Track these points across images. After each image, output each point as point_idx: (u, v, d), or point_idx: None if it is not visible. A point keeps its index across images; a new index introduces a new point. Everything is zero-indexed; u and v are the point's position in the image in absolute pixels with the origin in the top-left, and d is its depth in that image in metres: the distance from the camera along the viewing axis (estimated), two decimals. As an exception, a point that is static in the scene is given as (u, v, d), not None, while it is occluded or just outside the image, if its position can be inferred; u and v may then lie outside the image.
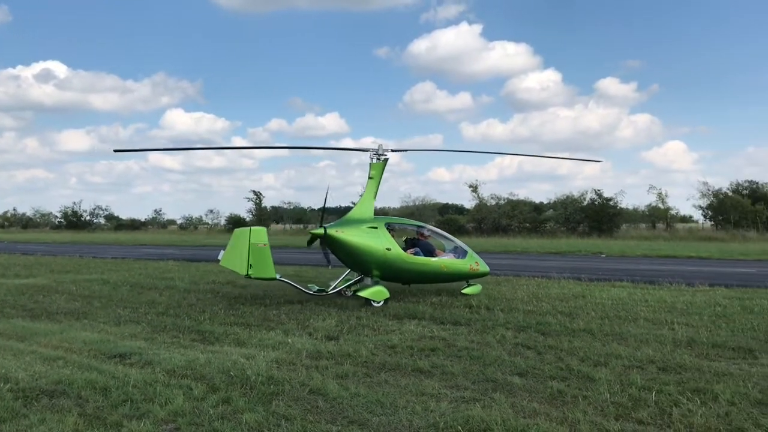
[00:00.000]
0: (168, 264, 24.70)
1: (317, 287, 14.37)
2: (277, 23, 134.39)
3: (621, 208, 58.27)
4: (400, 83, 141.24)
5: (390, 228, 14.24)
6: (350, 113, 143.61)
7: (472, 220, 64.59)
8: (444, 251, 14.97)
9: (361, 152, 15.02)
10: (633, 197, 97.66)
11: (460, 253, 14.83)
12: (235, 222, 78.73)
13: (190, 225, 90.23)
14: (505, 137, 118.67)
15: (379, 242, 13.47)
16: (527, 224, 59.80)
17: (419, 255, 14.11)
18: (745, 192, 56.10)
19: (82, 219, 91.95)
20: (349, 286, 14.43)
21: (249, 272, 12.56)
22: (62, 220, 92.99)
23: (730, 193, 56.26)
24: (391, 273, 13.72)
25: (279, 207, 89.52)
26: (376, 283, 13.42)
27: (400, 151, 15.89)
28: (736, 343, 8.89)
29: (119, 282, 17.68)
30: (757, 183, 57.02)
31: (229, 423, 5.73)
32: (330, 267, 15.23)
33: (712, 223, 57.27)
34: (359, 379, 7.23)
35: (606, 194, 57.69)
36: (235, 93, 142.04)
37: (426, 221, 69.44)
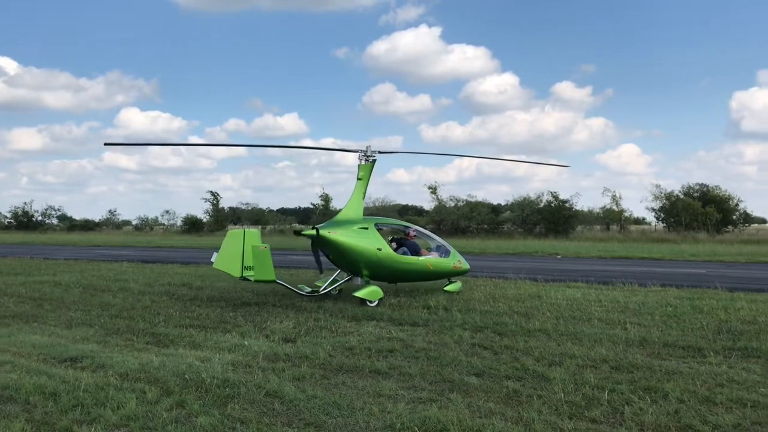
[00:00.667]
0: (122, 265, 24.22)
1: (308, 288, 14.46)
2: (236, 22, 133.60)
3: (576, 210, 59.35)
4: (360, 84, 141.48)
5: (378, 228, 14.44)
6: (309, 114, 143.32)
7: (431, 221, 64.85)
8: (429, 250, 15.31)
9: (348, 153, 14.98)
10: (588, 199, 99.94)
11: (443, 251, 15.25)
12: (191, 223, 77.70)
13: (146, 226, 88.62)
14: (463, 139, 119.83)
15: (370, 242, 13.67)
16: (485, 225, 60.37)
17: (407, 254, 14.42)
18: (696, 195, 57.63)
19: (34, 219, 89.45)
20: (337, 287, 14.59)
21: (245, 274, 12.56)
22: (12, 220, 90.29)
23: (682, 196, 57.74)
24: (382, 273, 13.94)
25: (237, 208, 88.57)
26: (368, 284, 13.56)
27: (388, 153, 16.05)
28: (686, 342, 9.11)
29: (71, 284, 17.27)
30: (708, 186, 58.70)
31: (183, 427, 5.65)
32: (322, 274, 15.20)
33: (665, 225, 58.63)
34: (316, 381, 7.19)
35: (562, 196, 58.67)
36: (192, 92, 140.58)
37: (385, 222, 69.50)
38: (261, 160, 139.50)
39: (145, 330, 10.39)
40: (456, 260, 15.20)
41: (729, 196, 57.54)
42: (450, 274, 15.22)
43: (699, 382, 6.98)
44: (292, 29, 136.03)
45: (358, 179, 14.40)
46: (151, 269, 22.38)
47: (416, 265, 14.40)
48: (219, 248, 12.84)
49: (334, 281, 14.68)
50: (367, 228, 13.88)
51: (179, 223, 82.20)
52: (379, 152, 14.74)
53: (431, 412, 5.92)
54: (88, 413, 6.01)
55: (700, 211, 53.91)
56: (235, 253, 12.58)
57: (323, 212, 62.81)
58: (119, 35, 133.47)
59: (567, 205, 58.24)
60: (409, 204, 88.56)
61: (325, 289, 14.33)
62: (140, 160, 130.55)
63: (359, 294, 13.10)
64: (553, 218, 57.09)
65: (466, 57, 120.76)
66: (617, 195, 61.13)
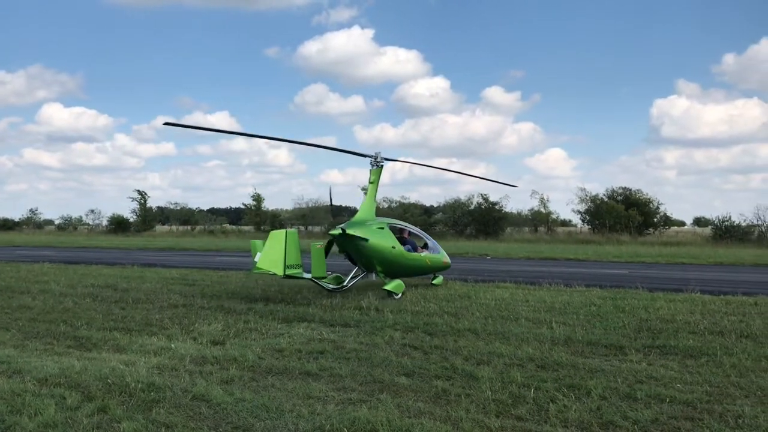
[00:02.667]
0: (43, 266, 23.28)
1: (332, 285, 15.12)
2: (165, 18, 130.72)
3: (506, 212, 60.59)
4: (291, 84, 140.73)
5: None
6: (240, 113, 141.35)
7: (365, 222, 64.87)
8: (422, 247, 16.55)
9: (360, 157, 16.22)
10: (517, 202, 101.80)
11: (434, 248, 16.66)
12: (118, 222, 75.42)
13: (69, 225, 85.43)
14: (396, 141, 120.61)
15: (387, 241, 14.79)
16: (418, 227, 60.74)
17: (411, 251, 15.69)
18: (619, 198, 59.57)
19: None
20: (355, 282, 15.54)
21: (288, 272, 13.19)
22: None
23: (606, 199, 59.59)
24: (393, 269, 15.01)
25: (165, 207, 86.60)
26: (393, 278, 14.79)
27: (392, 160, 16.88)
28: (609, 340, 9.40)
29: (-13, 286, 16.48)
30: (630, 189, 60.75)
31: (105, 433, 5.47)
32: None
33: (590, 227, 60.38)
34: (245, 383, 7.09)
35: (492, 198, 59.71)
36: (118, 88, 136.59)
37: (319, 223, 69.67)
38: (190, 159, 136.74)
39: (67, 333, 10.02)
40: (444, 256, 16.77)
41: (650, 199, 59.79)
42: (440, 269, 16.85)
43: (620, 379, 7.22)
44: (222, 27, 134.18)
45: (370, 183, 15.73)
46: (74, 270, 21.60)
47: (419, 261, 15.87)
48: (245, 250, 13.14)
49: (354, 276, 15.48)
50: (383, 228, 15.04)
51: (105, 222, 79.64)
52: (385, 159, 15.97)
53: (361, 412, 5.92)
54: (3, 421, 5.75)
55: (623, 214, 55.81)
56: (278, 253, 13.12)
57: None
58: (41, 28, 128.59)
59: (497, 207, 59.38)
60: (343, 205, 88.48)
61: (348, 283, 15.21)
62: (63, 157, 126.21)
63: (388, 287, 14.31)
64: (483, 220, 58.10)
65: (399, 60, 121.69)
66: (545, 198, 62.88)
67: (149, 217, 78.88)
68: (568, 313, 11.87)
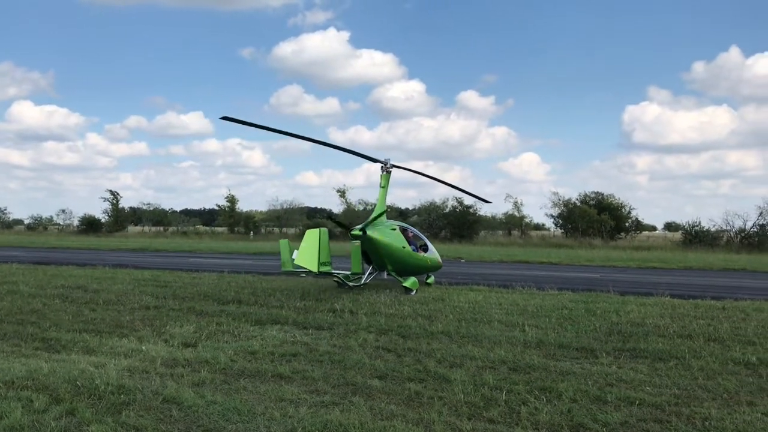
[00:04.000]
0: (12, 267, 22.86)
1: (353, 283, 16.07)
2: (139, 17, 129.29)
3: (480, 216, 60.91)
4: (266, 85, 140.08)
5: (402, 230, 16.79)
6: (215, 113, 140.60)
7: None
8: (420, 248, 17.37)
9: (370, 162, 17.28)
10: (491, 206, 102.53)
11: (430, 249, 17.58)
12: (89, 223, 74.38)
13: (39, 225, 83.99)
14: (372, 144, 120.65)
15: (399, 242, 15.99)
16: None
17: (416, 252, 16.77)
18: (591, 202, 60.22)
19: None
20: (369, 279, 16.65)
21: (321, 269, 14.24)
22: None
23: (579, 203, 60.18)
24: (402, 267, 16.05)
25: (138, 208, 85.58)
26: (410, 276, 16.12)
27: (399, 167, 17.91)
28: (580, 343, 9.50)
29: (-47, 286, 16.15)
30: (603, 194, 61.43)
31: (73, 436, 5.39)
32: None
33: (563, 230, 60.96)
34: (217, 386, 7.04)
35: (466, 202, 59.99)
36: (90, 87, 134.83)
37: (294, 225, 69.44)
38: (163, 159, 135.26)
39: (35, 335, 9.86)
40: (438, 256, 17.78)
41: (622, 204, 60.54)
42: (436, 268, 17.82)
43: (591, 382, 7.29)
44: (195, 27, 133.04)
45: (381, 187, 16.92)
46: (43, 271, 21.23)
47: (422, 261, 16.90)
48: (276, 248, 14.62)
49: (370, 273, 16.55)
50: (395, 229, 16.29)
51: (76, 223, 78.44)
52: (394, 166, 17.21)
53: (333, 415, 5.91)
54: (-32, 424, 5.64)
55: (596, 218, 56.44)
56: (313, 250, 14.06)
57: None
58: (12, 25, 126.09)
59: (471, 210, 59.68)
60: (318, 207, 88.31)
61: (366, 280, 16.34)
62: (33, 156, 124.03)
63: (406, 284, 15.59)
64: (458, 223, 58.37)
65: (374, 63, 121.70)
66: (519, 201, 63.32)
67: (121, 218, 77.97)
68: (541, 316, 11.97)
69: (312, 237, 14.26)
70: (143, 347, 8.91)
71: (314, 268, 14.04)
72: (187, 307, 12.90)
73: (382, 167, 16.94)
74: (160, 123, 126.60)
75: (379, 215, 16.31)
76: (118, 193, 78.55)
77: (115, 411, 6.07)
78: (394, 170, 17.36)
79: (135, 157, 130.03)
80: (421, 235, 18.18)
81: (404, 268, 16.09)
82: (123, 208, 79.77)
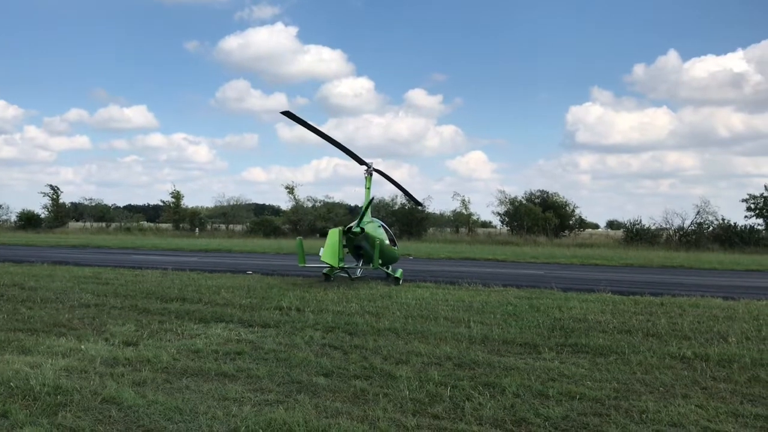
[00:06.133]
0: (-57, 264, 21.97)
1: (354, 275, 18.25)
2: (81, 8, 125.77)
3: (428, 213, 61.33)
4: (212, 80, 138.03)
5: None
6: (159, 107, 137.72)
7: (288, 221, 64.66)
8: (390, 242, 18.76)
9: (356, 163, 18.51)
10: (439, 203, 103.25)
11: (395, 243, 19.12)
12: (27, 218, 72.04)
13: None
14: (320, 140, 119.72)
15: (383, 237, 17.81)
16: (343, 227, 60.73)
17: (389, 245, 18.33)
18: (537, 201, 61.37)
19: None
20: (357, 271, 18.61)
21: (340, 265, 16.22)
22: None
23: (524, 202, 61.22)
24: (384, 259, 17.64)
25: (79, 203, 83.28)
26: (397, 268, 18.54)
27: (380, 173, 19.16)
28: (524, 339, 9.64)
29: None
30: (547, 193, 62.73)
31: (6, 439, 5.21)
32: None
33: (509, 228, 61.90)
34: (158, 385, 6.89)
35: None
36: (29, 79, 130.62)
37: (241, 221, 68.66)
38: (105, 153, 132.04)
39: (-34, 335, 9.48)
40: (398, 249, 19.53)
41: (566, 202, 61.89)
42: (397, 260, 19.50)
43: (533, 377, 7.41)
44: (139, 18, 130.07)
45: (366, 188, 18.30)
46: (-23, 268, 20.46)
47: (394, 253, 18.72)
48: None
49: (359, 267, 18.31)
50: (380, 227, 18.16)
51: (13, 218, 75.90)
52: (375, 170, 18.54)
53: (277, 414, 5.85)
54: None
55: (541, 216, 57.52)
56: (335, 248, 15.76)
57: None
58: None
59: (420, 208, 60.00)
60: (266, 203, 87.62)
61: (359, 272, 18.65)
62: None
63: (397, 275, 17.75)
64: (406, 220, 58.66)
65: (322, 59, 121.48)
66: (466, 199, 64.08)
67: (62, 213, 75.79)
68: (486, 313, 12.10)
69: (334, 236, 15.95)
70: (82, 346, 8.66)
71: (336, 264, 15.90)
72: (129, 305, 12.60)
73: (365, 171, 18.28)
74: (102, 116, 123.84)
75: (367, 214, 17.61)
76: (58, 188, 76.47)
77: (51, 412, 5.89)
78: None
79: (76, 151, 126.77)
80: (389, 230, 19.28)
81: (385, 260, 17.80)
82: (63, 204, 77.63)
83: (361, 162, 18.39)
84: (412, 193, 22.87)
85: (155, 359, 7.94)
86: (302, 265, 16.84)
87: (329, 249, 15.79)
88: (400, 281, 17.45)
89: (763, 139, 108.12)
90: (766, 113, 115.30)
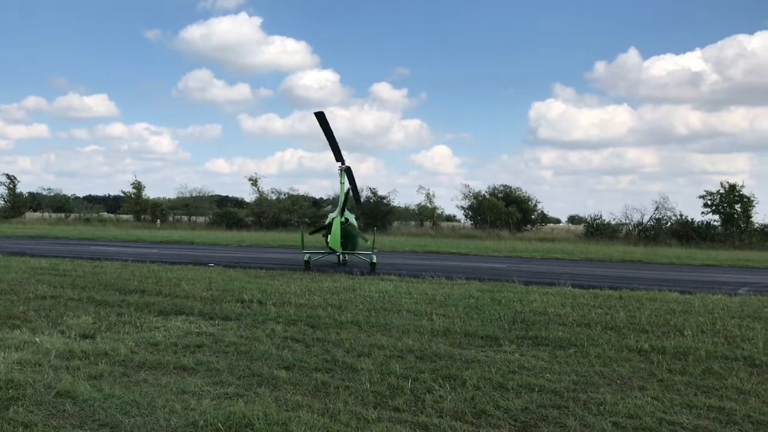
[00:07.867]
0: None
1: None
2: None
3: (393, 206, 61.41)
4: (174, 69, 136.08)
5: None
6: (120, 96, 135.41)
7: (252, 213, 64.18)
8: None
9: (331, 158, 19.41)
10: (404, 196, 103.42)
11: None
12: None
13: (-76, 211, 78.68)
14: (284, 132, 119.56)
15: (357, 226, 19.85)
16: (306, 219, 60.64)
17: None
18: (500, 195, 61.80)
19: None
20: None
21: (342, 249, 18.56)
22: None
23: (488, 196, 61.64)
24: (356, 248, 20.07)
25: (37, 193, 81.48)
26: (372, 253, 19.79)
27: (348, 173, 19.58)
28: (485, 332, 9.70)
29: None
30: (511, 187, 63.16)
31: (-46, 435, 5.06)
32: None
33: (472, 222, 62.32)
34: (115, 379, 6.77)
35: (380, 192, 60.36)
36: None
37: (204, 213, 67.90)
38: (65, 143, 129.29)
39: None
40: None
41: (529, 197, 62.43)
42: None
43: (494, 370, 7.46)
44: (99, 5, 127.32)
45: (341, 182, 19.12)
46: (-73, 259, 19.86)
47: (363, 242, 21.38)
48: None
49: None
50: (356, 217, 20.21)
51: (-32, 208, 74.01)
52: (346, 169, 19.17)
53: (237, 407, 5.79)
54: None
55: (504, 211, 58.02)
56: (337, 236, 17.80)
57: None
58: None
59: (385, 201, 60.15)
60: (230, 195, 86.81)
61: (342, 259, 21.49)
62: None
63: (374, 260, 19.34)
64: (371, 213, 58.57)
65: (287, 50, 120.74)
66: (431, 193, 64.17)
67: (18, 204, 74.09)
68: (448, 306, 12.16)
69: (337, 225, 17.83)
70: (37, 339, 8.46)
71: (339, 250, 18.28)
72: (87, 297, 12.34)
73: (339, 167, 19.07)
74: (61, 105, 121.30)
75: (344, 205, 18.69)
76: (15, 177, 74.70)
77: (2, 407, 5.74)
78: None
79: (34, 140, 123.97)
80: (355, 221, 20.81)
81: (353, 247, 19.81)
82: (21, 194, 75.87)
83: (339, 159, 19.03)
84: (359, 194, 23.98)
85: (113, 352, 7.80)
86: (305, 252, 19.46)
87: (334, 237, 17.76)
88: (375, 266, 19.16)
89: (720, 137, 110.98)
90: (723, 112, 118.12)
